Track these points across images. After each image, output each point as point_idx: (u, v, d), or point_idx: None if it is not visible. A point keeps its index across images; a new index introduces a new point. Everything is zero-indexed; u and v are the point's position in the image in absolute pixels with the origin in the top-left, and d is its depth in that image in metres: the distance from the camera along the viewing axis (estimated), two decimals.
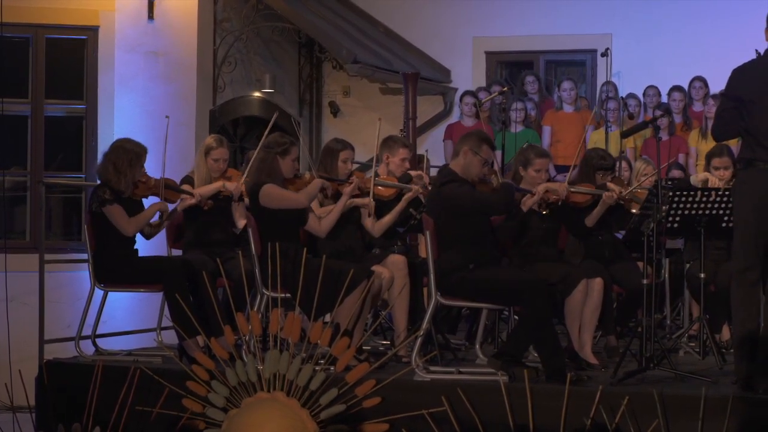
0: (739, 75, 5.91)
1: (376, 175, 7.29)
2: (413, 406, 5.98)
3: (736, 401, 5.55)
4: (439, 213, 6.43)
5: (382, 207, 7.28)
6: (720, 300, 7.24)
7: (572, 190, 7.10)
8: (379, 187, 7.23)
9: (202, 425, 6.22)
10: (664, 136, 10.13)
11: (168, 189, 7.22)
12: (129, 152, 7.04)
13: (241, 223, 7.42)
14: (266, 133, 7.16)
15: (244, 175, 7.36)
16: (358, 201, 7.03)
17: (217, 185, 7.42)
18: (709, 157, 7.83)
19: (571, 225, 7.20)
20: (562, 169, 10.15)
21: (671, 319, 8.40)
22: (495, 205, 6.46)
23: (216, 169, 7.51)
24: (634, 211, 7.21)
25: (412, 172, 7.47)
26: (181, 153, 9.57)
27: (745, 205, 5.84)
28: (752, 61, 6.02)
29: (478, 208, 6.41)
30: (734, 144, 8.88)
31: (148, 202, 7.29)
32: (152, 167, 7.31)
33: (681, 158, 10.20)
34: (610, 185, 7.22)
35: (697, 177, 8.02)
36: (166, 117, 7.25)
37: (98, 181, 7.13)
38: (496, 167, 6.87)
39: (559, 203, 6.96)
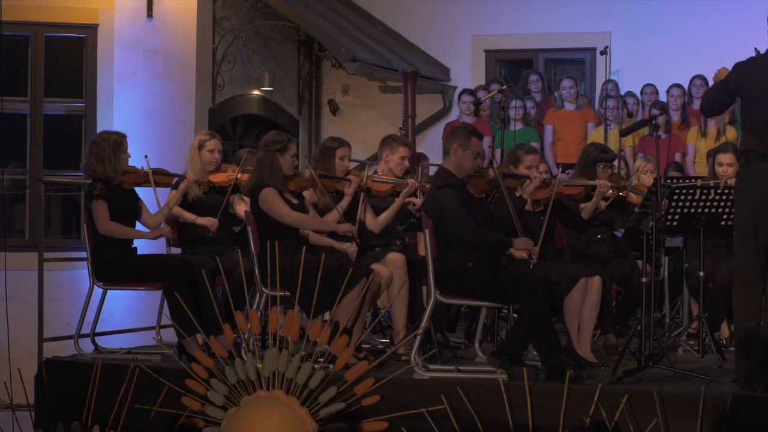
0: (741, 69, 5.90)
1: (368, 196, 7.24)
2: (412, 404, 5.98)
3: (736, 400, 5.55)
4: (435, 214, 6.41)
5: (379, 204, 7.28)
6: (719, 298, 7.23)
7: (564, 183, 7.09)
8: (375, 184, 7.22)
9: (201, 423, 6.22)
10: (662, 134, 10.12)
11: (158, 174, 7.22)
12: (107, 140, 7.04)
13: (240, 209, 7.41)
14: (242, 163, 7.33)
15: (236, 174, 7.37)
16: (338, 245, 6.97)
17: (191, 216, 7.40)
18: (714, 153, 7.81)
19: (568, 219, 7.16)
20: (564, 167, 10.15)
21: (670, 318, 8.40)
22: (466, 235, 6.29)
23: (211, 160, 7.49)
24: (635, 202, 7.20)
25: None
26: (180, 152, 9.55)
27: (745, 203, 5.84)
28: (753, 58, 5.99)
29: (451, 225, 6.32)
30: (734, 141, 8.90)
31: (142, 193, 7.28)
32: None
33: (677, 157, 10.19)
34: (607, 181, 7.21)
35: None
36: (145, 156, 7.15)
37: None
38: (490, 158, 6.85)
39: (552, 199, 6.92)
